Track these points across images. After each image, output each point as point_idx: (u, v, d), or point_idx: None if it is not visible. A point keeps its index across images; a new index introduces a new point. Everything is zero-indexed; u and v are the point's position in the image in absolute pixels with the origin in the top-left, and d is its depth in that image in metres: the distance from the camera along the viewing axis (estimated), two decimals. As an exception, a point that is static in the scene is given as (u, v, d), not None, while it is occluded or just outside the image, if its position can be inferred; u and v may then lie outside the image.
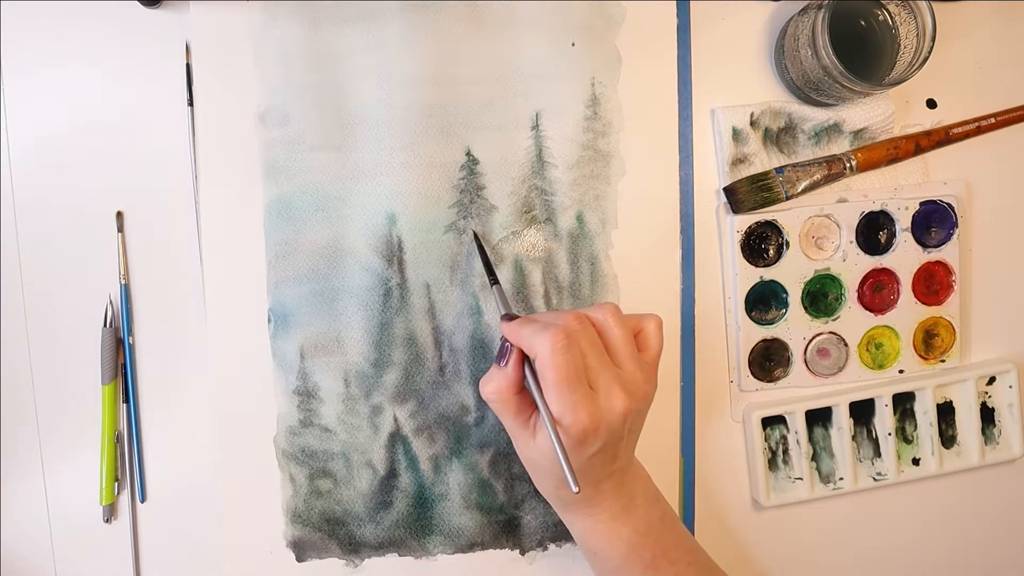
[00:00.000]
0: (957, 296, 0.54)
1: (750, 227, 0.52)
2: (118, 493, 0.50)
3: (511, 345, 0.42)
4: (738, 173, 0.52)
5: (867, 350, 0.54)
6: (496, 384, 0.42)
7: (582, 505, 0.43)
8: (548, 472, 0.42)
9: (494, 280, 0.47)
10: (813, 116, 0.52)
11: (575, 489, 0.37)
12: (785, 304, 0.53)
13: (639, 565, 0.43)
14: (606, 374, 0.40)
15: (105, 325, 0.49)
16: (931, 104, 0.55)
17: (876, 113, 0.52)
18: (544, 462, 0.41)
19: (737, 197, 0.51)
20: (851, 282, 0.53)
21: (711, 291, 0.53)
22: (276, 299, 0.49)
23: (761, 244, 0.53)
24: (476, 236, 0.49)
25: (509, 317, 0.43)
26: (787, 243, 0.52)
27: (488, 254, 0.49)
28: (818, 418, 0.54)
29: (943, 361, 0.55)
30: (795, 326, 0.53)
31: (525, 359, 0.42)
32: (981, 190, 0.55)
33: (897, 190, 0.54)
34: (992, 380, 0.56)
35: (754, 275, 0.52)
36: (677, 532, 0.45)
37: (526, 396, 0.42)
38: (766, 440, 0.54)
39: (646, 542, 0.44)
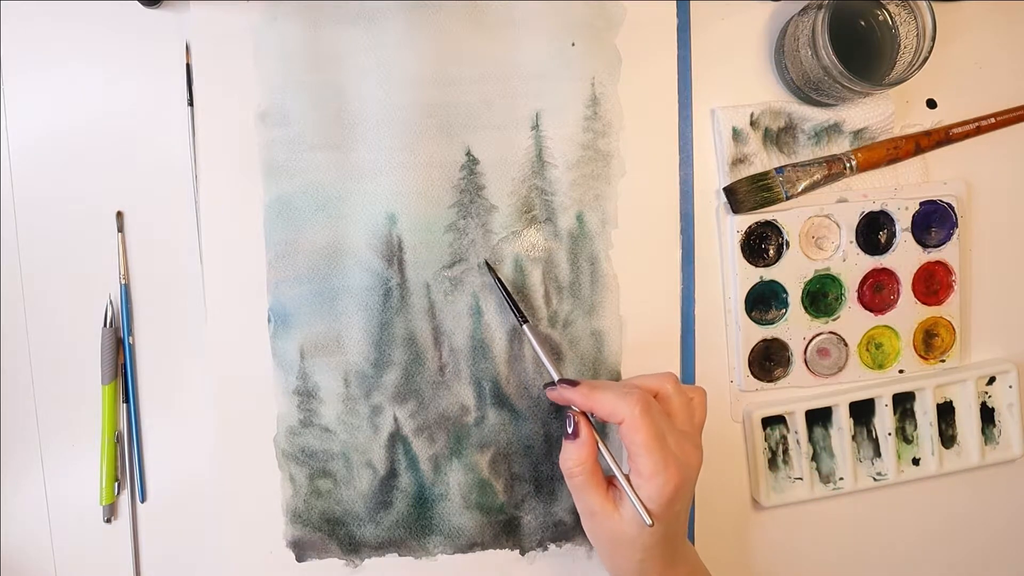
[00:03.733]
0: (957, 296, 0.54)
1: (750, 227, 0.52)
2: (118, 493, 0.50)
3: (574, 415, 0.43)
4: (738, 173, 0.52)
5: (867, 350, 0.54)
6: (577, 455, 0.42)
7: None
8: (635, 541, 0.42)
9: (523, 319, 0.47)
10: (813, 116, 0.52)
11: (649, 521, 0.39)
12: (785, 304, 0.53)
13: None
14: (673, 434, 0.41)
15: (105, 325, 0.49)
16: (931, 104, 0.55)
17: (876, 113, 0.52)
18: (633, 529, 0.41)
19: (737, 197, 0.51)
20: (851, 282, 0.53)
21: (711, 291, 0.53)
22: (276, 299, 0.49)
23: (761, 244, 0.53)
24: (491, 268, 0.49)
25: (568, 383, 0.44)
26: (787, 243, 0.52)
27: (508, 288, 0.49)
28: (818, 418, 0.54)
29: (943, 361, 0.55)
30: (795, 326, 0.53)
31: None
32: (981, 190, 0.55)
33: (897, 190, 0.54)
34: (992, 380, 0.56)
35: (754, 275, 0.52)
36: None
37: (600, 469, 0.43)
38: (766, 440, 0.54)
39: None
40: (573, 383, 0.44)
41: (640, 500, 0.40)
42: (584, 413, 0.44)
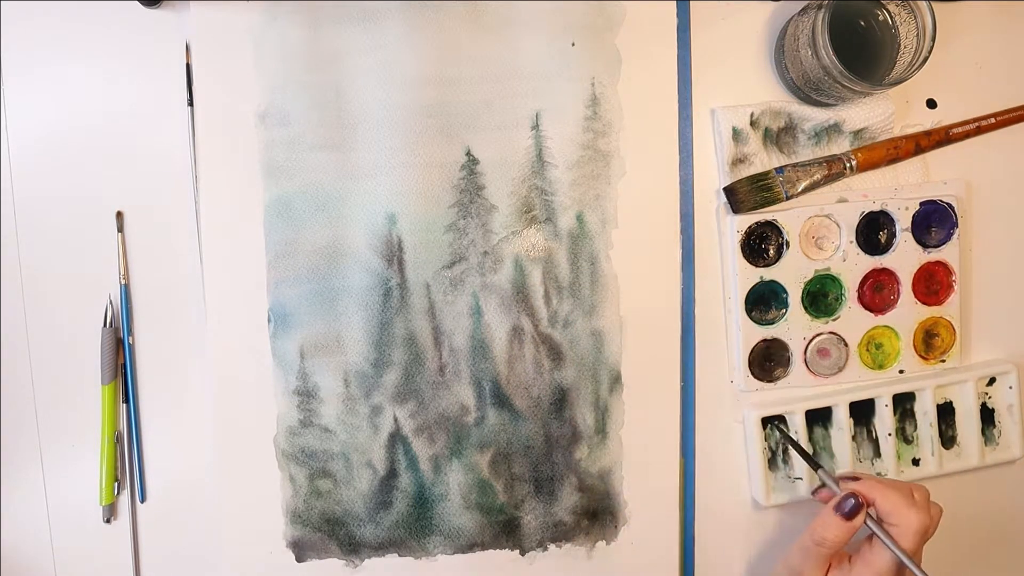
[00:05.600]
0: (957, 296, 0.54)
1: (750, 227, 0.52)
2: (118, 493, 0.50)
3: (859, 497, 0.44)
4: (738, 173, 0.52)
5: (867, 350, 0.54)
6: (838, 533, 0.44)
7: None
8: None
9: (817, 466, 0.49)
10: (813, 116, 0.52)
11: None
12: (785, 304, 0.53)
13: None
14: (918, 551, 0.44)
15: (105, 325, 0.49)
16: (931, 104, 0.55)
17: (876, 113, 0.52)
18: None
19: (737, 197, 0.51)
20: (851, 282, 0.53)
21: (711, 291, 0.53)
22: (276, 299, 0.49)
23: (761, 244, 0.53)
24: (786, 435, 0.52)
25: (850, 477, 0.47)
26: (787, 243, 0.52)
27: (800, 446, 0.51)
28: (818, 418, 0.54)
29: (943, 361, 0.55)
30: (795, 326, 0.53)
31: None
32: (981, 190, 0.55)
33: (897, 190, 0.54)
34: (992, 381, 0.55)
35: (754, 275, 0.52)
36: None
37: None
38: (766, 440, 0.54)
39: None
40: (856, 477, 0.46)
41: None
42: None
